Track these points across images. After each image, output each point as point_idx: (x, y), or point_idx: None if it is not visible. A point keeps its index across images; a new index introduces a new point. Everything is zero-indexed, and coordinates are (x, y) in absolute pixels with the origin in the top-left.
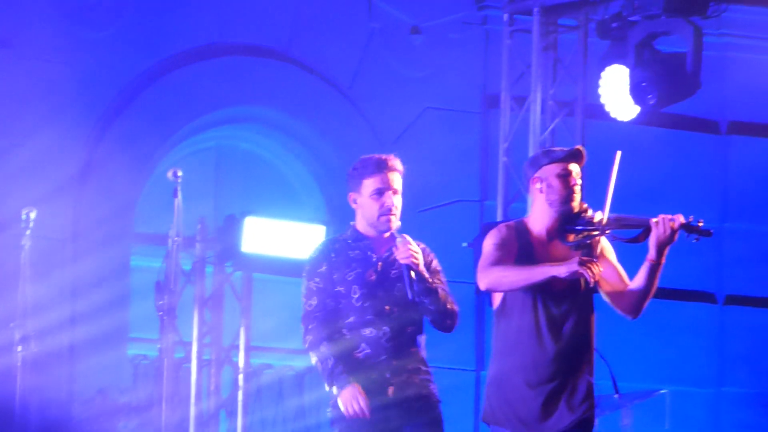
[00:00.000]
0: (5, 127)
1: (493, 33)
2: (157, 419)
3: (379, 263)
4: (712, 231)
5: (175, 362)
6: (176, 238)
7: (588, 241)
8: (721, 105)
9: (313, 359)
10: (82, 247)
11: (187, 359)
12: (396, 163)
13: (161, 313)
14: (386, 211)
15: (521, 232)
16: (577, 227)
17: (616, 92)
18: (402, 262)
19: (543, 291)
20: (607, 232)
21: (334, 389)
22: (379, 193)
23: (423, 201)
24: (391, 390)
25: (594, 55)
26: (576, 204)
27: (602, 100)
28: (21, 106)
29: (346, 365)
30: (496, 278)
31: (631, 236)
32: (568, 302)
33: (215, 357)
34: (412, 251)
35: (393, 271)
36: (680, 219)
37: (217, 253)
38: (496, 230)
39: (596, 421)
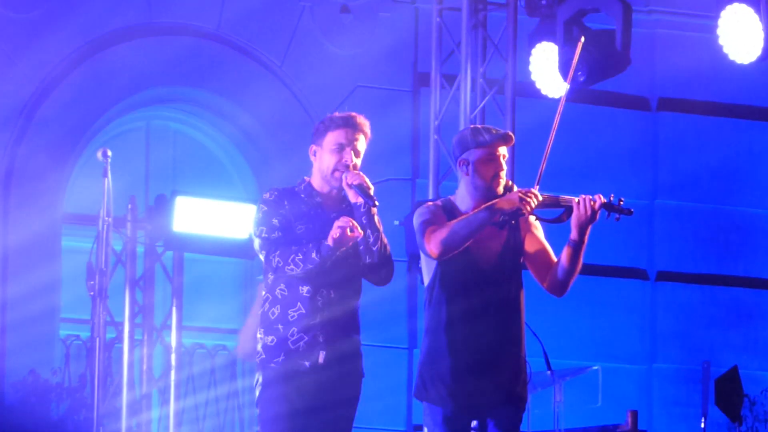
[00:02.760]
0: None
1: (422, 11)
2: (90, 400)
3: (328, 220)
4: (632, 210)
5: (107, 343)
6: (107, 219)
7: (513, 221)
8: (650, 82)
9: (290, 267)
10: (12, 227)
11: (119, 339)
12: (364, 124)
13: (92, 293)
14: (342, 167)
15: (448, 210)
16: None
17: (546, 70)
18: (352, 182)
19: (472, 268)
20: (530, 211)
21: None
22: (340, 148)
23: None
24: (322, 355)
25: (524, 33)
26: (501, 187)
27: (532, 78)
28: None
29: (279, 321)
30: (448, 234)
31: (553, 216)
32: (498, 279)
33: (147, 337)
34: (365, 177)
35: None
36: (601, 199)
37: (148, 233)
38: (423, 208)
39: (529, 398)
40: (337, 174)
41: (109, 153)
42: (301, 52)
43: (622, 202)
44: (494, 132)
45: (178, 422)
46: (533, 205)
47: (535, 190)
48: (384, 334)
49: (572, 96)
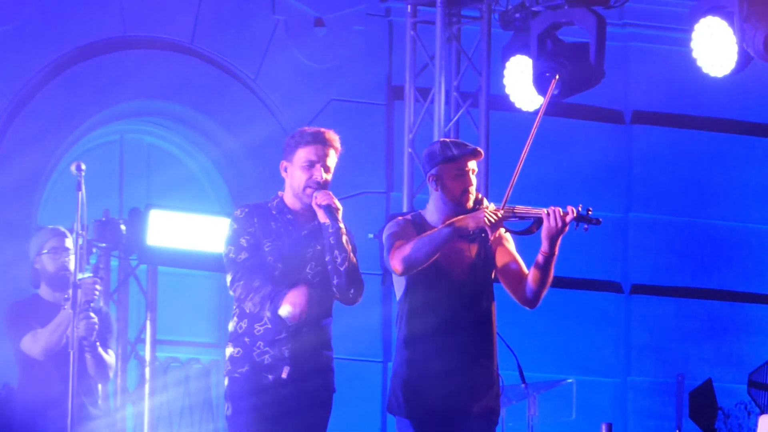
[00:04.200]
0: None
1: (396, 24)
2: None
3: (298, 238)
4: (601, 219)
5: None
6: (81, 232)
7: (482, 234)
8: (624, 95)
9: (248, 305)
10: None
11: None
12: (334, 139)
13: (66, 306)
14: (313, 184)
15: (418, 224)
16: None
17: (520, 83)
18: (320, 202)
19: (443, 281)
20: (498, 221)
21: (281, 309)
22: (311, 164)
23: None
24: (286, 371)
25: (497, 46)
26: (471, 201)
27: (506, 91)
28: None
29: (246, 334)
30: (411, 251)
31: (523, 228)
32: (469, 292)
33: (121, 351)
34: (334, 199)
35: (309, 250)
36: (573, 212)
37: (122, 247)
38: (393, 222)
39: (502, 411)
40: (308, 191)
41: (83, 166)
42: (275, 66)
43: (590, 212)
44: (463, 147)
45: None
46: (497, 227)
47: (500, 212)
48: (358, 347)
49: (547, 109)
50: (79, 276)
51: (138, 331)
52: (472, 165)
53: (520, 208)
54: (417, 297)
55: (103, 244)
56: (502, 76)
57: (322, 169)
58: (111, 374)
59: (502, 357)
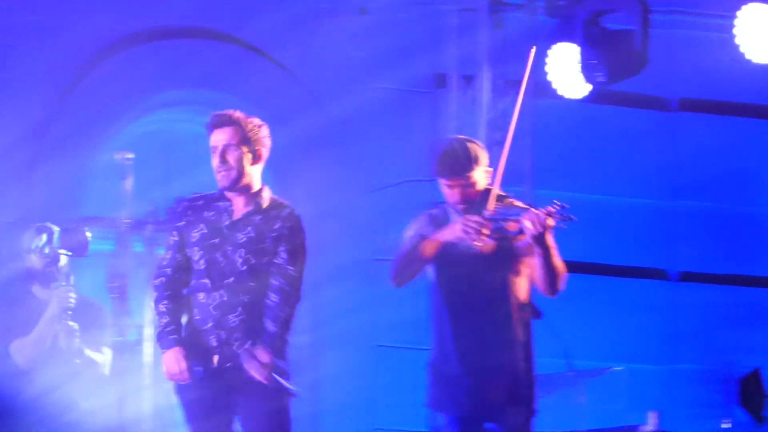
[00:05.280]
0: None
1: (441, 12)
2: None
3: (226, 225)
4: (574, 217)
5: (129, 345)
6: (127, 221)
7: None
8: (671, 82)
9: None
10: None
11: (141, 341)
12: (220, 118)
13: (114, 295)
14: (216, 170)
15: (439, 219)
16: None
17: (565, 70)
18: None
19: (466, 276)
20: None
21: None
22: (213, 152)
23: (374, 181)
24: (215, 359)
25: (542, 34)
26: (465, 207)
27: (550, 79)
28: None
29: (180, 327)
30: (396, 272)
31: (513, 233)
32: (493, 285)
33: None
34: None
35: (240, 236)
36: (548, 221)
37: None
38: (412, 222)
39: (550, 399)
40: (217, 177)
41: (129, 155)
42: (319, 54)
43: (566, 207)
44: (448, 162)
45: None
46: (478, 235)
47: (481, 219)
48: (406, 336)
49: (592, 97)
50: (53, 285)
51: None
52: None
53: (507, 203)
54: (441, 292)
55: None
56: (546, 63)
57: (218, 156)
58: (106, 370)
59: (549, 345)
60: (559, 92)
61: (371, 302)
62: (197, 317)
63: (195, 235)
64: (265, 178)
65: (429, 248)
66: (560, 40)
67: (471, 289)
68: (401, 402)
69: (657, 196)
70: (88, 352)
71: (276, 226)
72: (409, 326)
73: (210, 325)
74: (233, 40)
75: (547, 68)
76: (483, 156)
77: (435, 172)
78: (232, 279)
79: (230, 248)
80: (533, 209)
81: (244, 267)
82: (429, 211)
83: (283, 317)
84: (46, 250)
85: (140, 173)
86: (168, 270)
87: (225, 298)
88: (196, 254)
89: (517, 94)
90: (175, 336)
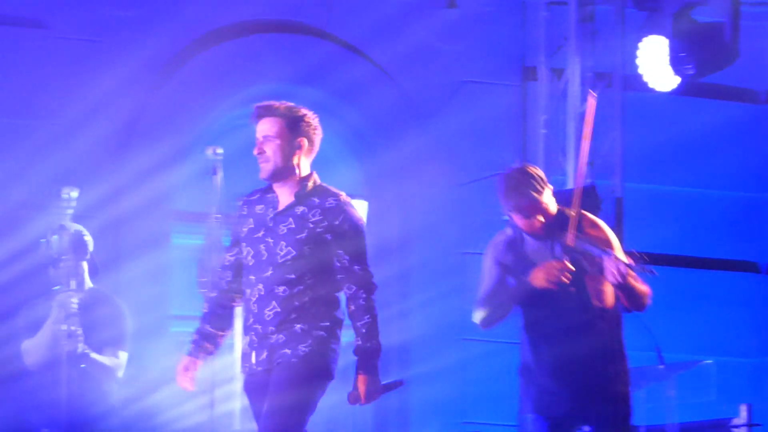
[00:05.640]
0: (40, 107)
1: (530, 5)
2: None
3: (270, 218)
4: (656, 272)
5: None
6: (217, 216)
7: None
8: (761, 74)
9: None
10: (123, 225)
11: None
12: (262, 109)
13: (204, 290)
14: (259, 162)
15: (516, 244)
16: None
17: (654, 63)
18: None
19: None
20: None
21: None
22: (256, 143)
23: (463, 174)
24: (253, 355)
25: (632, 26)
26: (546, 231)
27: (640, 71)
28: (56, 86)
29: (205, 336)
30: (483, 316)
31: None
32: (578, 293)
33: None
34: None
35: (281, 227)
36: (629, 272)
37: None
38: (490, 247)
39: (641, 392)
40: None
41: (219, 150)
42: (408, 48)
43: (647, 261)
44: (514, 196)
45: None
46: (561, 278)
47: (563, 265)
48: (497, 330)
49: (681, 89)
50: (55, 288)
51: None
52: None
53: (585, 237)
54: (528, 306)
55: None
56: (635, 56)
57: (257, 146)
58: (119, 374)
59: (640, 338)
60: (650, 85)
61: (459, 296)
62: (244, 315)
63: (244, 230)
64: (355, 172)
65: (515, 297)
66: (650, 33)
67: (556, 299)
68: (490, 396)
69: (748, 188)
70: (94, 355)
71: (314, 218)
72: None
73: (251, 321)
74: (321, 35)
75: (637, 61)
76: (544, 177)
77: (506, 209)
78: (270, 271)
79: (272, 240)
80: (613, 255)
81: (282, 259)
82: (505, 233)
83: (373, 325)
84: (52, 252)
85: (229, 168)
86: (223, 271)
87: (263, 292)
88: (244, 250)
89: (606, 86)
90: (193, 345)
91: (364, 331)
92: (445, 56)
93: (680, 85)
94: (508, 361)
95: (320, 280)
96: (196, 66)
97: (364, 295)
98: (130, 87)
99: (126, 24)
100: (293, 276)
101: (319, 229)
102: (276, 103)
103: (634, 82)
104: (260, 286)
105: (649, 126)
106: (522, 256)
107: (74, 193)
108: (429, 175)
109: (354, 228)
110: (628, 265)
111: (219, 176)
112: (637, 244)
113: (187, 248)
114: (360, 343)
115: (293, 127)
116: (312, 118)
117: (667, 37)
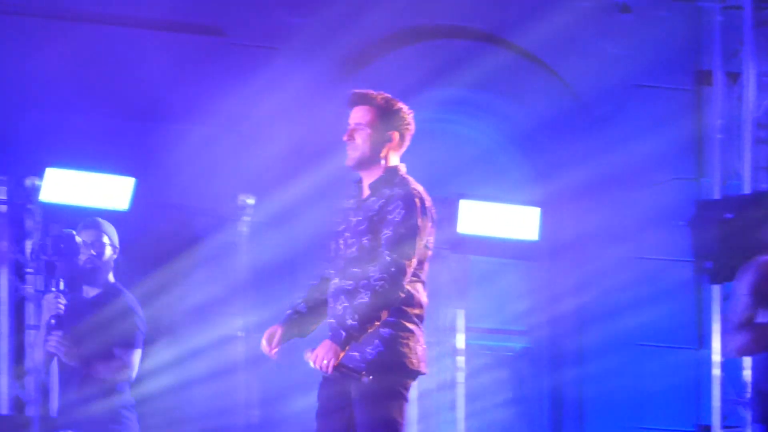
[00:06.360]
0: (221, 115)
1: (704, 9)
2: None
3: (351, 210)
4: None
5: None
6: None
7: None
8: None
9: None
10: (299, 232)
11: None
12: (357, 96)
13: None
14: (347, 148)
15: None
16: None
17: None
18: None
19: None
20: None
21: None
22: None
23: (638, 180)
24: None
25: None
26: None
27: None
28: (236, 93)
29: (296, 313)
30: (744, 347)
31: None
32: None
33: (435, 339)
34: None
35: (353, 219)
36: None
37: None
38: (752, 268)
39: None
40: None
41: None
42: (580, 53)
43: None
44: None
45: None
46: None
47: None
48: (672, 335)
49: None
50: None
51: (448, 320)
52: None
53: None
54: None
55: None
56: None
57: (347, 136)
58: (126, 376)
59: None
60: None
61: (634, 301)
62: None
63: (333, 224)
64: (529, 180)
65: None
66: None
67: None
68: (666, 401)
69: None
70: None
71: (376, 207)
72: (672, 326)
73: (328, 315)
74: (494, 40)
75: None
76: None
77: None
78: (342, 264)
79: (348, 234)
80: None
81: (349, 252)
82: (760, 259)
83: (364, 306)
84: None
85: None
86: (325, 263)
87: (336, 286)
88: (332, 244)
89: None
90: (286, 315)
91: (354, 305)
92: (620, 61)
93: None
94: (683, 367)
95: None
96: (372, 72)
97: (375, 276)
98: (302, 91)
99: (299, 30)
100: (357, 270)
101: (376, 218)
102: (373, 93)
103: None
104: (336, 280)
105: None
106: None
107: (251, 200)
108: (604, 180)
109: (403, 218)
110: None
111: None
112: None
113: None
114: (343, 313)
115: (387, 119)
116: (407, 113)
117: None
